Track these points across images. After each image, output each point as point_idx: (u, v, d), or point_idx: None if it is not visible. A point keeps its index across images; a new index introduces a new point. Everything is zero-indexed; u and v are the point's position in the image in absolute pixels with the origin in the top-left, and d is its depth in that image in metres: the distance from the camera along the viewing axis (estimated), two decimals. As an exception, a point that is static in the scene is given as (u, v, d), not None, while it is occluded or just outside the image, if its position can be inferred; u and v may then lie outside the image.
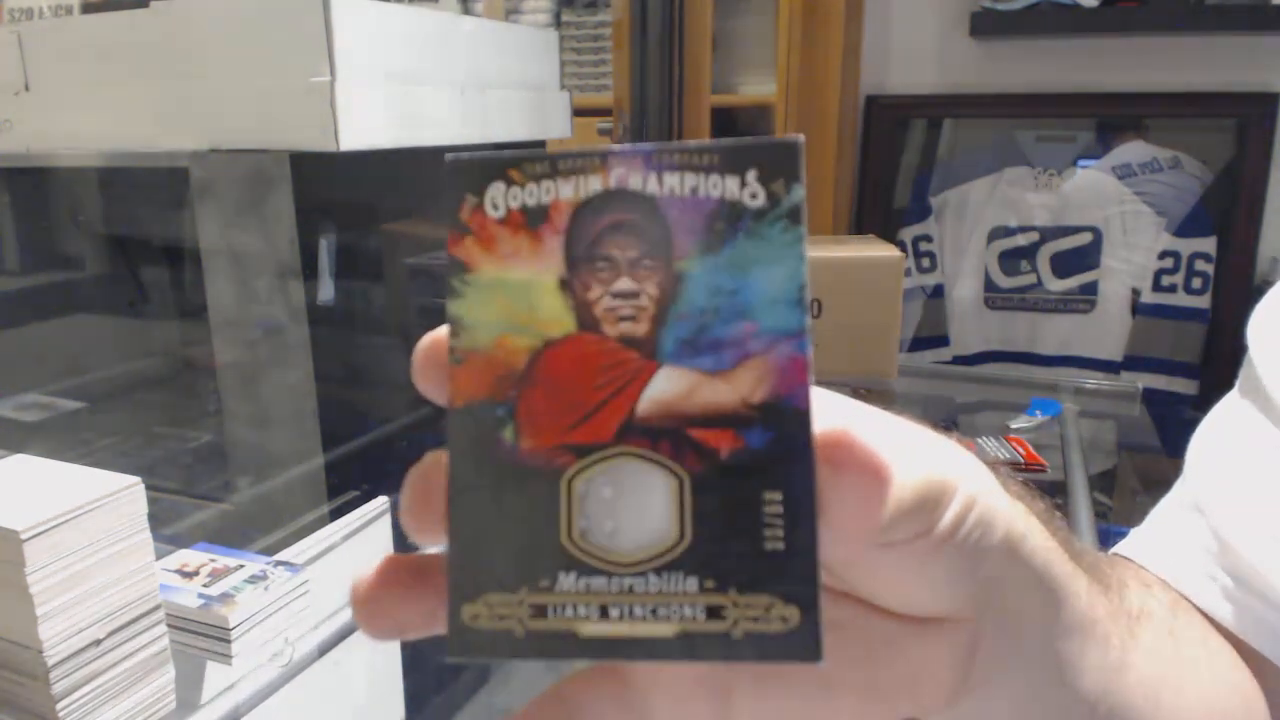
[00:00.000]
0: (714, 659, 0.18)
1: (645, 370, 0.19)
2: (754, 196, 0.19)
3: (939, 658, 0.24)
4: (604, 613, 0.18)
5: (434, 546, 0.19)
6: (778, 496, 0.18)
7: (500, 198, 0.19)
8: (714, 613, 0.18)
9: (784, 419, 0.18)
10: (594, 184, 0.19)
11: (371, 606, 0.20)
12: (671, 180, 0.19)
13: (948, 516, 0.21)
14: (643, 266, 0.19)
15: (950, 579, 0.22)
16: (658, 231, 0.19)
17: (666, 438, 0.18)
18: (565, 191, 0.19)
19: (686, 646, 0.18)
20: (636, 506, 0.18)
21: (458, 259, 0.19)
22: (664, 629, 0.18)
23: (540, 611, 0.18)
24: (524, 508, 0.18)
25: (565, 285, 0.19)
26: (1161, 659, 0.33)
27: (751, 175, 0.19)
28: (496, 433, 0.19)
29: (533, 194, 0.19)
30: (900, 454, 0.19)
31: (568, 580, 0.18)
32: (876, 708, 0.24)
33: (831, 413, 0.19)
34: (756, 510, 0.18)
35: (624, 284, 0.19)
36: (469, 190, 0.19)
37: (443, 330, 0.20)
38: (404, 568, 0.20)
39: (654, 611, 0.18)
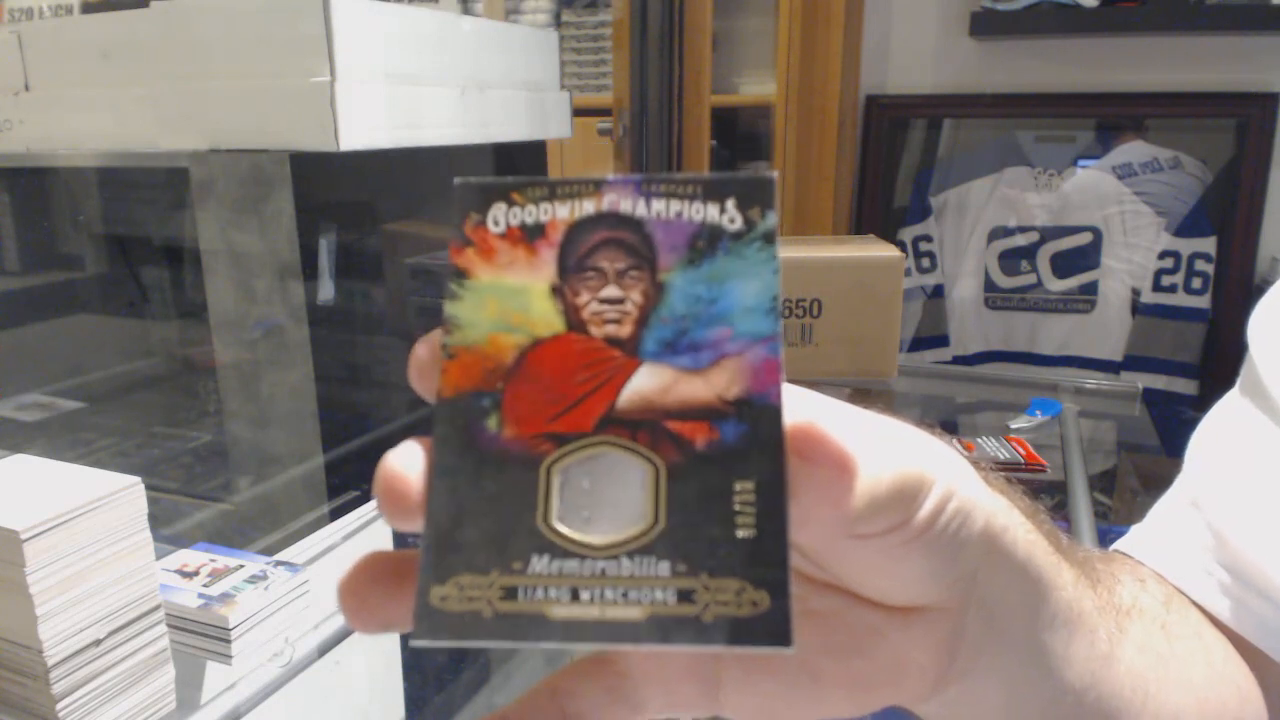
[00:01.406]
0: (684, 643, 0.18)
1: (627, 367, 0.20)
2: (732, 221, 0.21)
3: (922, 647, 0.24)
4: (575, 595, 0.18)
5: (411, 529, 0.20)
6: (750, 485, 0.19)
7: (502, 216, 0.21)
8: (685, 596, 0.18)
9: (757, 413, 0.19)
10: (588, 206, 0.21)
11: (355, 602, 0.20)
12: (658, 205, 0.21)
13: (925, 508, 0.21)
14: (629, 277, 0.20)
15: (930, 570, 0.23)
16: (644, 248, 0.21)
17: (645, 429, 0.19)
18: (561, 212, 0.21)
19: (657, 630, 0.18)
20: (613, 493, 0.19)
21: (457, 266, 0.21)
22: (634, 612, 0.18)
23: (510, 593, 0.18)
24: (502, 492, 0.19)
25: (557, 291, 0.20)
26: (1152, 653, 0.34)
27: (730, 203, 0.21)
28: (481, 421, 0.19)
29: (532, 213, 0.21)
30: (873, 448, 0.20)
31: (540, 563, 0.18)
32: (861, 696, 0.24)
33: (802, 408, 0.19)
34: (729, 498, 0.19)
35: (611, 291, 0.20)
36: (473, 208, 0.21)
37: (439, 332, 0.20)
38: (386, 564, 0.20)
39: (625, 595, 0.18)
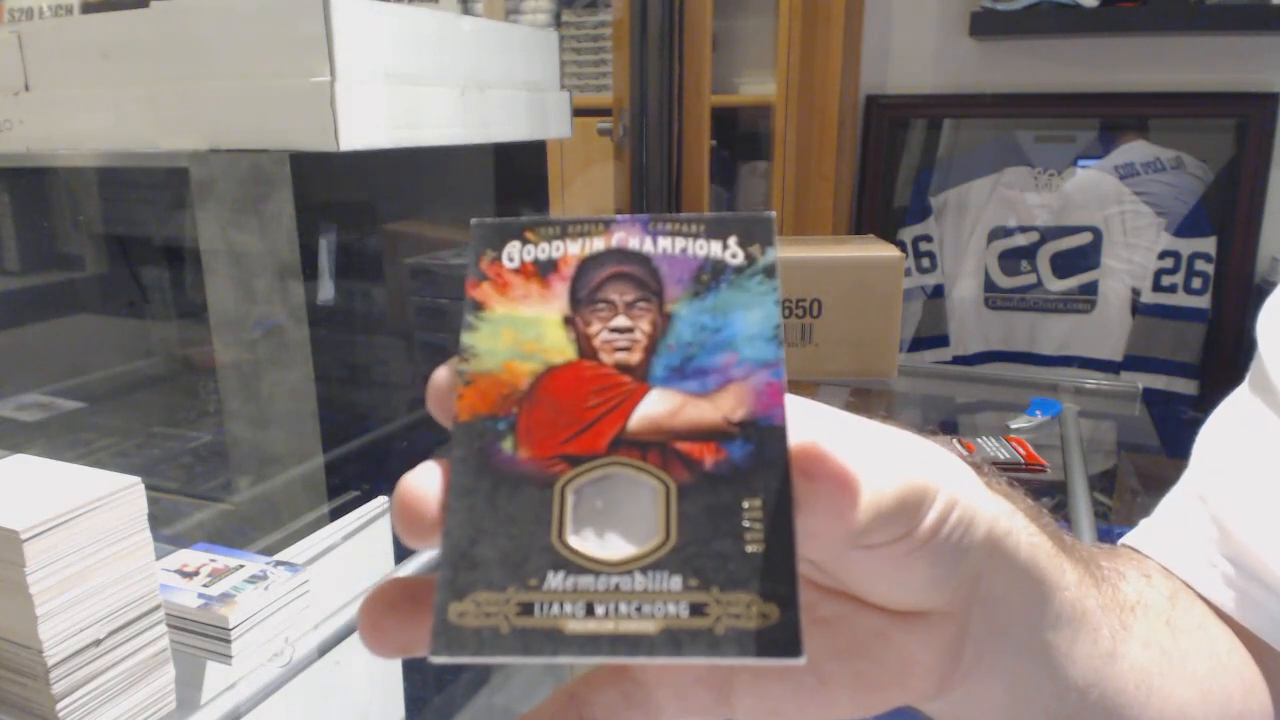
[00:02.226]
0: (697, 655, 0.18)
1: (637, 392, 0.21)
2: (734, 256, 0.22)
3: (926, 649, 0.25)
4: (590, 610, 0.18)
5: (426, 548, 0.20)
6: (757, 503, 0.19)
7: (516, 252, 0.22)
8: (697, 610, 0.18)
9: (762, 434, 0.20)
10: (598, 243, 0.22)
11: (371, 627, 0.20)
12: (664, 242, 0.22)
13: (929, 519, 0.22)
14: (638, 308, 0.22)
15: (934, 576, 0.23)
16: (652, 281, 0.22)
17: (655, 450, 0.20)
18: (573, 249, 0.22)
19: (670, 643, 0.18)
20: (625, 511, 0.19)
21: (473, 299, 0.22)
22: (648, 626, 0.18)
23: (527, 609, 0.18)
24: (518, 511, 0.19)
25: (569, 322, 0.21)
26: (1156, 648, 0.34)
27: (732, 240, 0.22)
28: (497, 443, 0.20)
29: (544, 250, 0.22)
30: (876, 462, 0.20)
31: (556, 579, 0.19)
32: (868, 697, 0.25)
33: (807, 426, 0.20)
34: (737, 515, 0.19)
35: (620, 321, 0.21)
36: (489, 246, 0.22)
37: (455, 360, 0.21)
38: (401, 590, 0.21)
39: (639, 609, 0.18)
